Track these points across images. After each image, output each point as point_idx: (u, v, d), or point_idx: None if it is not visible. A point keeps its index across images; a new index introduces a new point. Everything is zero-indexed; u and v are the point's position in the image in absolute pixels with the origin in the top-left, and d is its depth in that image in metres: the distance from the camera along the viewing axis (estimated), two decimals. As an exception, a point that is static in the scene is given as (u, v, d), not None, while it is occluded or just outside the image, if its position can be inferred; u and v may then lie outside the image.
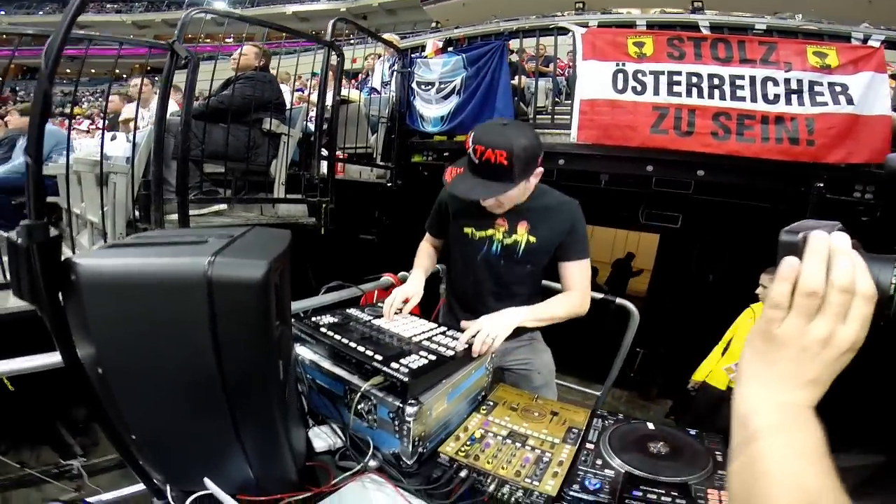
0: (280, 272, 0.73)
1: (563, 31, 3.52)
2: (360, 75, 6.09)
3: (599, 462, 1.01)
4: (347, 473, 0.96)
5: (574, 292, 1.52)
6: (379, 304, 1.46)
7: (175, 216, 2.49)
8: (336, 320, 1.28)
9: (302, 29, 3.24)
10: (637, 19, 3.30)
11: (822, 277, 0.43)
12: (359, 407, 1.02)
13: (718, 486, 0.93)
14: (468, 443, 1.07)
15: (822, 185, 2.90)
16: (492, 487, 0.96)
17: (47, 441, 2.83)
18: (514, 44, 4.13)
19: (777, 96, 2.78)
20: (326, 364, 1.11)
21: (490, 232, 1.54)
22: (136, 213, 2.57)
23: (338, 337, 1.14)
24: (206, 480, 0.76)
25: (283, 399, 0.81)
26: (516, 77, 4.26)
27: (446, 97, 4.08)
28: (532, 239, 1.51)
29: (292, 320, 1.20)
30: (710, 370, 3.20)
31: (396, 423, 0.97)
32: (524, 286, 1.59)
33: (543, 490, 0.94)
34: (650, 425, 1.16)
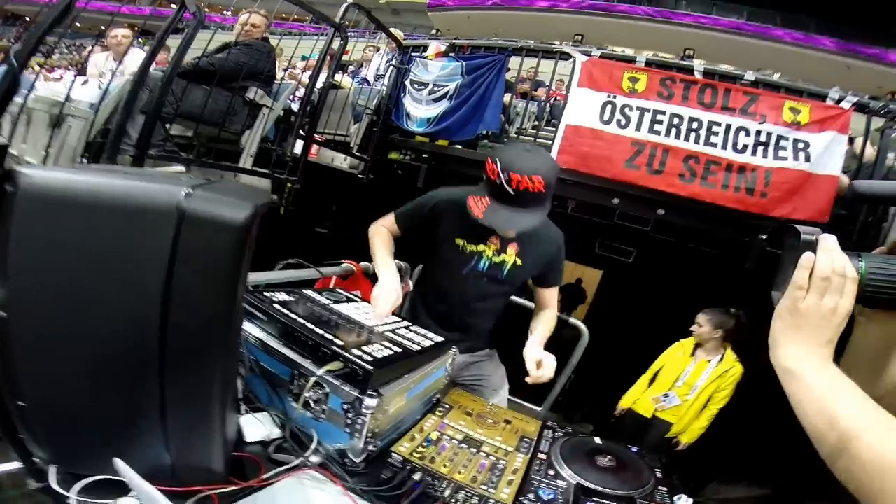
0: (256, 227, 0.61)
1: (566, 56, 3.51)
2: (353, 65, 5.93)
3: (552, 472, 1.00)
4: (283, 468, 0.81)
5: (552, 310, 1.60)
6: (339, 290, 1.34)
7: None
8: (291, 299, 1.12)
9: (304, 14, 3.06)
10: (637, 56, 3.34)
11: (831, 266, 0.58)
12: (307, 395, 0.89)
13: (660, 500, 0.96)
14: (424, 444, 0.97)
15: (765, 237, 3.01)
16: (447, 493, 0.86)
17: None
18: (511, 62, 4.11)
19: (745, 146, 2.88)
20: (276, 344, 0.95)
21: (481, 248, 1.49)
22: (84, 160, 2.32)
23: (293, 315, 0.99)
24: (118, 463, 0.61)
25: (229, 375, 0.68)
26: (507, 95, 4.23)
27: (437, 100, 4.00)
28: (519, 262, 1.50)
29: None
30: (637, 398, 3.24)
31: (350, 415, 0.85)
32: (497, 304, 1.61)
33: (499, 498, 0.87)
34: (597, 440, 1.17)
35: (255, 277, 1.38)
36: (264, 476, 0.78)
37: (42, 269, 0.55)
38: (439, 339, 1.18)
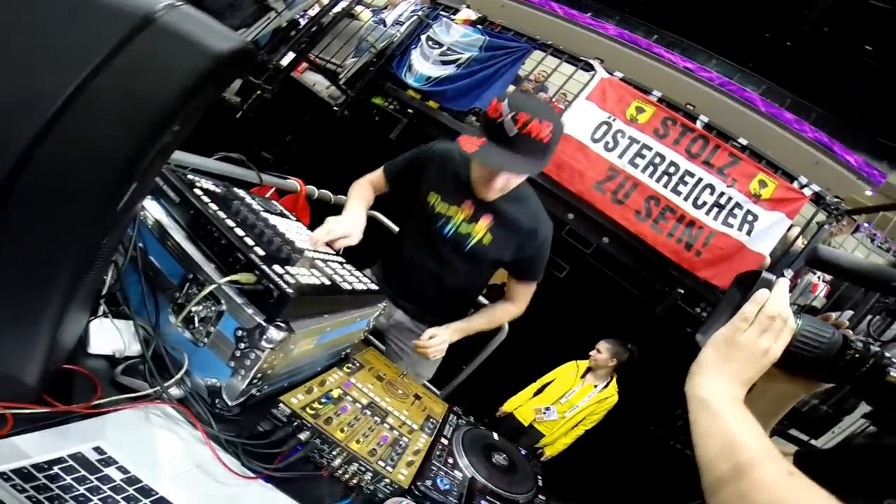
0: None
1: (588, 67, 3.31)
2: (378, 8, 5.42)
3: (451, 461, 0.87)
4: (128, 395, 0.58)
5: (511, 307, 1.42)
6: (274, 202, 1.08)
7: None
8: (218, 191, 0.84)
9: None
10: (655, 90, 3.20)
11: (780, 308, 0.56)
12: (194, 309, 0.64)
13: None
14: (322, 400, 0.76)
15: (682, 291, 3.04)
16: (337, 462, 0.67)
17: None
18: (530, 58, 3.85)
19: (704, 203, 2.87)
20: (178, 235, 0.69)
21: (453, 210, 1.26)
22: None
23: (213, 207, 0.73)
24: None
25: (94, 245, 0.44)
26: (511, 86, 3.96)
27: (445, 63, 3.69)
28: (487, 240, 1.25)
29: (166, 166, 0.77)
30: (519, 405, 3.23)
31: (242, 346, 0.62)
32: (454, 280, 1.34)
33: (396, 479, 0.71)
34: (495, 436, 1.06)
35: (184, 157, 1.07)
36: (96, 401, 0.54)
37: None
38: (373, 286, 0.97)
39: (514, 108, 1.02)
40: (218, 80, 0.42)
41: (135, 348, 0.64)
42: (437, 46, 3.77)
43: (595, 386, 3.04)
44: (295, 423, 0.69)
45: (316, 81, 3.53)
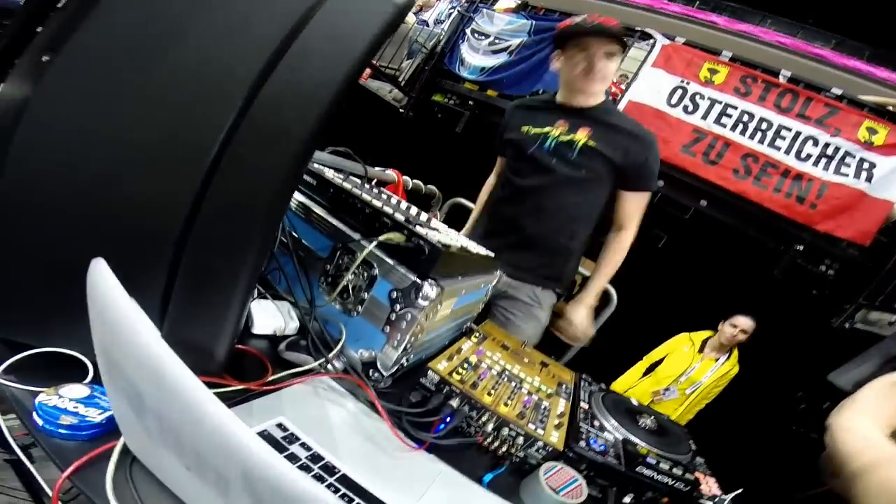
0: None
1: (646, 36, 3.14)
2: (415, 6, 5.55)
3: (597, 423, 0.84)
4: (296, 370, 0.61)
5: (625, 233, 1.39)
6: (385, 191, 1.13)
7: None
8: (342, 176, 0.89)
9: None
10: (724, 50, 2.97)
11: None
12: (349, 278, 0.68)
13: (702, 471, 0.82)
14: (464, 366, 0.77)
15: (801, 248, 2.75)
16: (489, 427, 0.67)
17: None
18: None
19: (809, 156, 2.61)
20: (322, 212, 0.74)
21: (547, 129, 1.33)
22: None
23: (348, 186, 0.77)
24: (98, 264, 0.39)
25: (275, 225, 0.48)
26: None
27: (496, 52, 3.69)
28: (592, 143, 1.30)
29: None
30: (631, 386, 3.07)
31: (397, 307, 0.64)
32: (578, 203, 1.34)
33: (549, 441, 0.69)
34: (634, 401, 1.01)
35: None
36: (270, 378, 0.58)
37: (106, 51, 0.39)
38: (490, 253, 0.97)
39: (582, 15, 1.25)
40: (395, 27, 0.44)
41: (292, 326, 0.69)
42: (483, 37, 3.78)
43: (716, 360, 2.84)
44: (444, 390, 0.69)
45: (380, 87, 3.70)
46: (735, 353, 2.82)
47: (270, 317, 0.68)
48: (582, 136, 1.29)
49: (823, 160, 2.56)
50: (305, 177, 0.79)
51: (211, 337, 0.51)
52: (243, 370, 0.58)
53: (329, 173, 0.84)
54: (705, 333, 2.94)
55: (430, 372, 0.70)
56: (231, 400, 0.52)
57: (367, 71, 3.30)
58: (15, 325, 0.45)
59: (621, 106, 2.92)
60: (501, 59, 3.63)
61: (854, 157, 2.53)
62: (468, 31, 3.89)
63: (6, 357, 0.42)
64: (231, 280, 0.49)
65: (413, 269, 0.63)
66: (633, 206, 1.38)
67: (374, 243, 0.62)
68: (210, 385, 0.49)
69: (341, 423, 0.58)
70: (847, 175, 2.54)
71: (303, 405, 0.58)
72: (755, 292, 3.14)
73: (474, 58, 3.77)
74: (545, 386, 0.88)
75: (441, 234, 0.76)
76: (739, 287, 3.32)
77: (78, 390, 0.41)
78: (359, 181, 0.97)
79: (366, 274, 0.67)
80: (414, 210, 0.92)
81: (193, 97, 0.42)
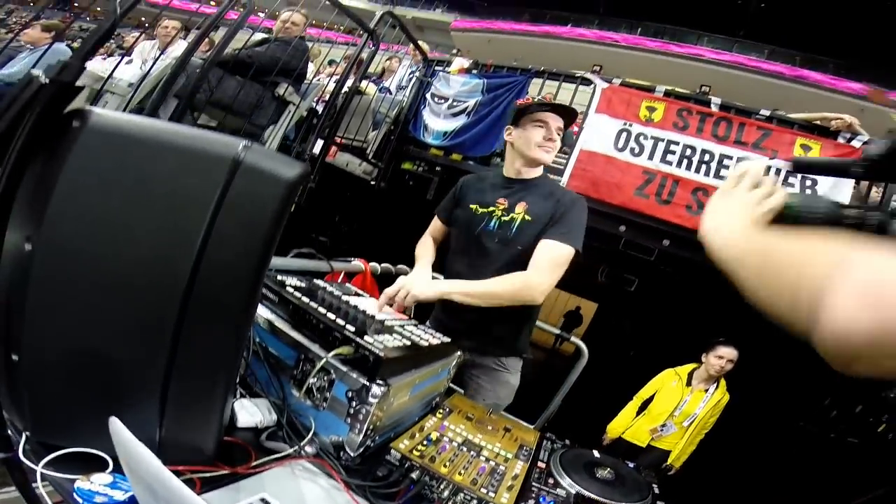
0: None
1: (586, 82, 3.51)
2: (374, 74, 5.98)
3: (551, 481, 0.97)
4: (275, 456, 0.77)
5: (528, 271, 1.36)
6: (348, 285, 1.32)
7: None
8: (303, 285, 1.08)
9: (336, 22, 3.15)
10: (657, 86, 3.34)
11: (761, 168, 0.63)
12: (311, 381, 0.85)
13: None
14: (424, 443, 0.92)
15: None
16: (445, 493, 0.82)
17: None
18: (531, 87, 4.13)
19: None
20: (284, 326, 0.92)
21: (491, 209, 1.53)
22: None
23: (305, 299, 0.96)
24: (114, 422, 0.57)
25: (241, 345, 0.65)
26: None
27: (455, 115, 4.00)
28: (528, 217, 1.48)
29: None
30: (626, 427, 3.16)
31: (353, 404, 0.81)
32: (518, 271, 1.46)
33: (499, 502, 0.82)
34: (595, 453, 1.13)
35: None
36: (254, 463, 0.73)
37: (83, 205, 0.54)
38: (447, 339, 1.14)
39: (537, 97, 1.46)
40: (293, 198, 0.59)
41: (270, 419, 0.85)
42: (443, 101, 4.10)
43: (706, 391, 2.97)
44: (406, 465, 0.84)
45: (348, 161, 3.93)
46: (723, 381, 2.96)
47: (251, 413, 0.84)
48: (520, 211, 1.49)
49: None
50: (269, 294, 0.97)
51: (201, 435, 0.67)
52: (232, 457, 0.74)
53: (290, 284, 1.02)
54: (689, 366, 3.09)
55: (392, 451, 0.86)
56: (221, 482, 0.68)
57: (333, 148, 3.59)
58: (49, 432, 0.62)
59: (572, 159, 3.21)
60: (461, 121, 3.95)
61: (795, 175, 2.77)
62: (428, 95, 4.21)
63: (43, 454, 0.60)
64: (211, 392, 0.66)
65: (363, 373, 0.80)
66: (541, 250, 1.39)
67: (324, 360, 0.80)
68: (204, 471, 0.67)
69: (315, 498, 0.74)
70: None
71: (282, 484, 0.73)
72: (733, 319, 3.32)
73: (436, 122, 4.09)
74: (505, 451, 1.02)
75: (391, 337, 0.94)
76: (716, 317, 3.50)
77: (104, 478, 0.58)
78: (323, 284, 1.15)
79: (326, 377, 0.83)
80: (372, 309, 1.10)
81: (148, 282, 0.57)
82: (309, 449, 0.82)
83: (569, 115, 1.54)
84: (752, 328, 3.26)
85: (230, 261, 0.58)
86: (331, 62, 5.39)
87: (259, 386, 0.90)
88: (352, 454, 0.82)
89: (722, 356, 2.92)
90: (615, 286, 4.53)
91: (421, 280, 1.39)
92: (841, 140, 2.83)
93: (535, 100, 1.57)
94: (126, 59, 2.92)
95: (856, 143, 2.78)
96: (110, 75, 2.35)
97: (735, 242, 0.56)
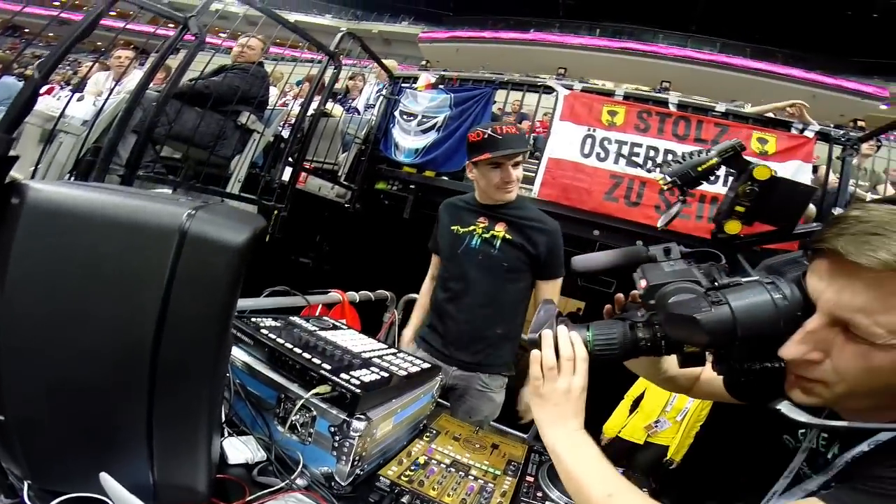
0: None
1: (549, 89, 3.64)
2: (340, 93, 6.00)
3: (540, 494, 1.00)
4: (268, 490, 0.81)
5: None
6: (325, 318, 1.36)
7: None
8: (278, 324, 1.13)
9: (297, 40, 3.15)
10: (616, 89, 3.49)
11: (553, 358, 0.71)
12: (293, 419, 0.88)
13: None
14: (412, 468, 0.96)
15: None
16: (434, 518, 0.86)
17: None
18: (498, 95, 4.23)
19: (717, 178, 2.95)
20: (262, 368, 0.96)
21: (472, 228, 1.63)
22: (72, 178, 2.29)
23: (280, 340, 1.00)
24: (105, 478, 0.60)
25: (216, 393, 0.68)
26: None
27: (425, 131, 4.05)
28: (509, 237, 1.59)
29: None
30: (622, 426, 3.25)
31: (337, 438, 0.84)
32: (505, 292, 1.62)
33: None
34: None
35: (242, 303, 1.37)
36: (248, 498, 0.77)
37: (39, 282, 0.56)
38: (426, 364, 1.19)
39: (489, 126, 1.53)
40: (245, 263, 0.59)
41: (260, 455, 0.88)
42: (412, 118, 4.14)
43: None
44: (396, 490, 0.88)
45: (321, 185, 3.92)
46: None
47: (240, 451, 0.88)
48: (500, 230, 1.60)
49: (731, 179, 2.94)
50: (244, 337, 1.01)
51: (192, 476, 0.70)
52: (227, 493, 0.77)
53: (265, 326, 1.06)
54: None
55: (381, 478, 0.90)
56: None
57: (303, 175, 3.60)
58: (48, 480, 0.65)
59: (542, 167, 3.32)
60: (431, 137, 4.02)
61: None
62: (396, 113, 4.25)
63: (48, 498, 0.63)
64: (195, 436, 0.68)
65: (343, 409, 0.85)
66: (550, 291, 1.64)
67: (303, 400, 0.84)
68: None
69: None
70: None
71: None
72: None
73: (407, 140, 4.15)
74: (493, 468, 1.07)
75: (369, 371, 0.98)
76: None
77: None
78: (298, 322, 1.19)
79: (308, 414, 0.87)
80: (350, 342, 1.14)
81: (113, 350, 0.59)
82: (300, 481, 0.85)
83: (521, 145, 1.55)
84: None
85: (191, 327, 0.59)
86: (297, 83, 5.42)
87: (244, 424, 0.93)
88: (342, 483, 0.86)
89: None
90: (595, 290, 4.65)
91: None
92: (794, 131, 3.02)
93: (487, 136, 1.52)
94: (77, 95, 2.88)
95: (808, 133, 2.97)
96: (61, 114, 2.29)
97: (547, 443, 0.72)
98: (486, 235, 1.61)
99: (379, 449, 0.96)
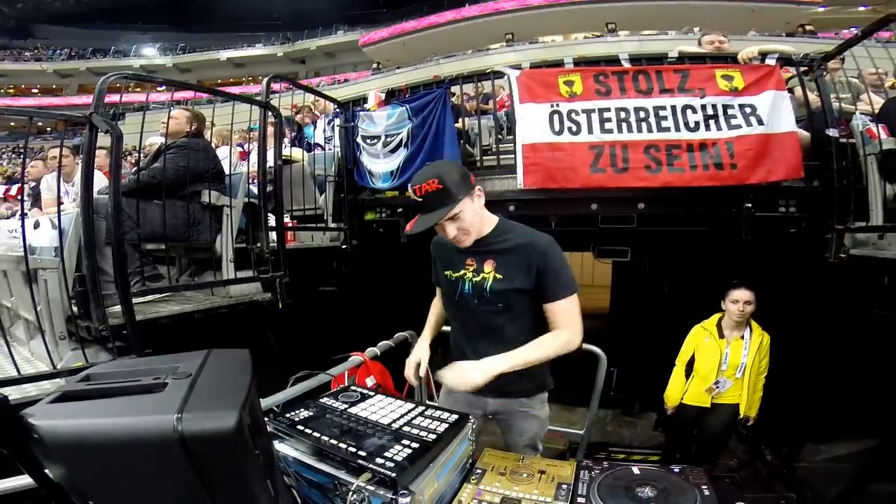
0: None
1: (499, 74, 3.70)
2: (293, 130, 6.02)
3: None
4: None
5: (561, 331, 1.56)
6: (352, 388, 1.49)
7: (118, 307, 2.36)
8: (311, 413, 1.29)
9: (238, 75, 3.27)
10: (565, 58, 3.53)
11: None
12: (351, 499, 1.03)
13: None
14: (466, 517, 1.09)
15: (750, 205, 3.14)
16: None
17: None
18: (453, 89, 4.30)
19: (697, 123, 3.02)
20: (310, 461, 1.12)
21: (462, 272, 1.67)
22: (74, 308, 2.41)
23: (317, 434, 1.16)
24: None
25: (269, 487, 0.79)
26: (459, 120, 4.33)
27: (394, 150, 4.10)
28: (499, 276, 1.60)
29: (267, 418, 1.20)
30: (682, 392, 3.34)
31: (391, 512, 0.99)
32: (510, 326, 1.63)
33: None
34: (635, 469, 1.24)
35: (273, 400, 1.53)
36: None
37: (102, 484, 0.66)
38: (454, 416, 1.33)
39: (410, 186, 1.53)
40: (245, 436, 0.66)
41: None
42: (376, 140, 4.20)
43: (742, 337, 3.14)
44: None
45: (311, 235, 3.99)
46: (754, 324, 3.15)
47: None
48: (489, 270, 1.61)
49: (712, 122, 2.99)
50: (284, 436, 1.16)
51: None
52: None
53: (299, 420, 1.21)
54: (714, 318, 3.27)
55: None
56: None
57: (290, 234, 3.70)
58: None
59: (519, 156, 3.36)
60: (401, 154, 4.07)
61: (733, 106, 2.98)
62: (359, 139, 4.29)
63: None
64: None
65: (388, 488, 1.00)
66: (559, 312, 1.56)
67: (354, 486, 0.99)
68: None
69: None
70: (740, 126, 2.96)
71: None
72: (736, 262, 3.52)
73: (378, 164, 4.20)
74: (544, 496, 1.19)
75: (400, 446, 1.12)
76: (717, 263, 3.70)
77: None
78: (329, 405, 1.33)
79: (363, 493, 1.02)
80: (382, 412, 1.31)
81: None
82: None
83: (443, 204, 1.50)
84: (756, 261, 3.49)
85: (237, 489, 0.69)
86: (250, 129, 5.44)
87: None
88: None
89: (737, 300, 3.09)
90: (614, 263, 4.75)
91: (475, 369, 1.47)
92: (755, 63, 3.08)
93: (412, 197, 1.53)
94: (31, 224, 2.66)
95: (769, 62, 3.03)
96: (26, 252, 2.25)
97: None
98: (477, 279, 1.63)
99: (434, 502, 1.11)
